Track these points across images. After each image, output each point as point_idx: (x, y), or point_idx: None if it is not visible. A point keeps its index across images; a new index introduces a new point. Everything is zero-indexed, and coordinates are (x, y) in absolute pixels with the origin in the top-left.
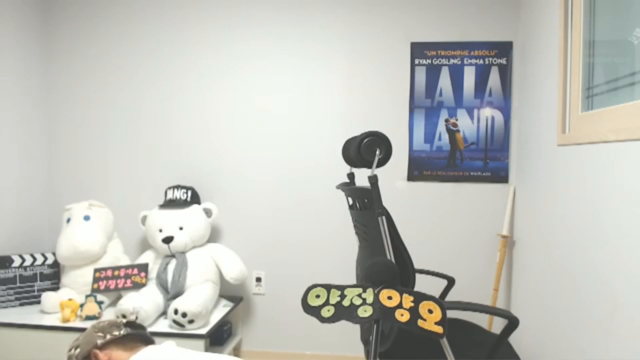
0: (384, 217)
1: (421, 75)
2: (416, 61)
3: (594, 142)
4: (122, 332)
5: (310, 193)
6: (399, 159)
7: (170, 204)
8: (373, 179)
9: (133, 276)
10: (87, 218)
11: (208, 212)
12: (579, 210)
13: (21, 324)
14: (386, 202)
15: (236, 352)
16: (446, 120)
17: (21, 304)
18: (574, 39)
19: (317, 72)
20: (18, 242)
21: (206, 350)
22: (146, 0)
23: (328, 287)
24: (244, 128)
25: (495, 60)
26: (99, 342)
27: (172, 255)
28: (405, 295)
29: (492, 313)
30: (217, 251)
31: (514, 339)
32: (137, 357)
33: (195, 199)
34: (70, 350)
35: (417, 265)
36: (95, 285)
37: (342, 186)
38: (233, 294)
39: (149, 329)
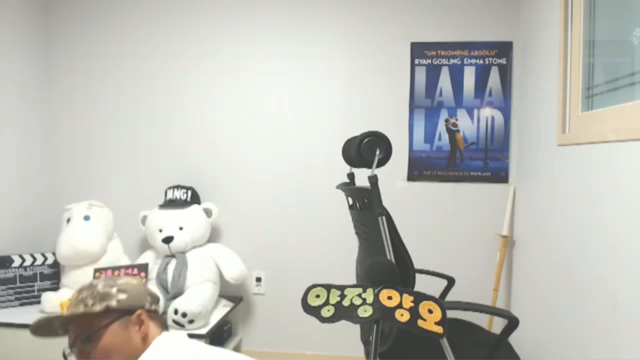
0: (384, 217)
1: (421, 75)
2: (416, 61)
3: (594, 142)
4: (159, 309)
5: (310, 193)
6: (399, 159)
7: (170, 204)
8: (373, 179)
9: (133, 276)
10: (87, 218)
11: (208, 212)
12: (578, 210)
13: (21, 324)
14: (386, 202)
15: (236, 352)
16: (446, 120)
17: (21, 304)
18: (574, 39)
19: (317, 72)
20: (18, 242)
21: None
22: (146, 1)
23: (328, 287)
24: (244, 128)
25: (495, 60)
26: (147, 305)
27: (172, 255)
28: (405, 295)
29: (492, 313)
30: (217, 251)
31: (514, 339)
32: (164, 340)
33: (195, 199)
34: (112, 287)
35: (417, 265)
36: None
37: (342, 186)
38: (233, 294)
39: None
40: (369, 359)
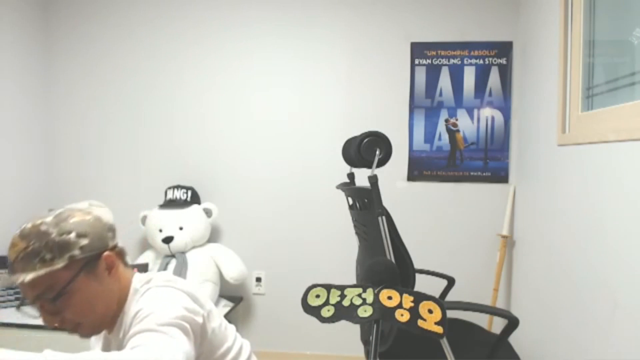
0: (383, 217)
1: (421, 75)
2: (416, 61)
3: (594, 142)
4: (117, 239)
5: (310, 193)
6: (399, 159)
7: (170, 204)
8: (373, 179)
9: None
10: None
11: (208, 212)
12: (579, 210)
13: (21, 324)
14: (386, 202)
15: None
16: (446, 120)
17: (21, 304)
18: (574, 39)
19: (317, 72)
20: None
21: None
22: (146, 0)
23: (328, 287)
24: (244, 128)
25: (495, 60)
26: (110, 244)
27: (172, 255)
28: (405, 295)
29: (492, 313)
30: (217, 251)
31: (514, 339)
32: (142, 275)
33: (195, 199)
34: (69, 233)
35: (417, 265)
36: None
37: (342, 186)
38: (233, 294)
39: None
40: (369, 359)
